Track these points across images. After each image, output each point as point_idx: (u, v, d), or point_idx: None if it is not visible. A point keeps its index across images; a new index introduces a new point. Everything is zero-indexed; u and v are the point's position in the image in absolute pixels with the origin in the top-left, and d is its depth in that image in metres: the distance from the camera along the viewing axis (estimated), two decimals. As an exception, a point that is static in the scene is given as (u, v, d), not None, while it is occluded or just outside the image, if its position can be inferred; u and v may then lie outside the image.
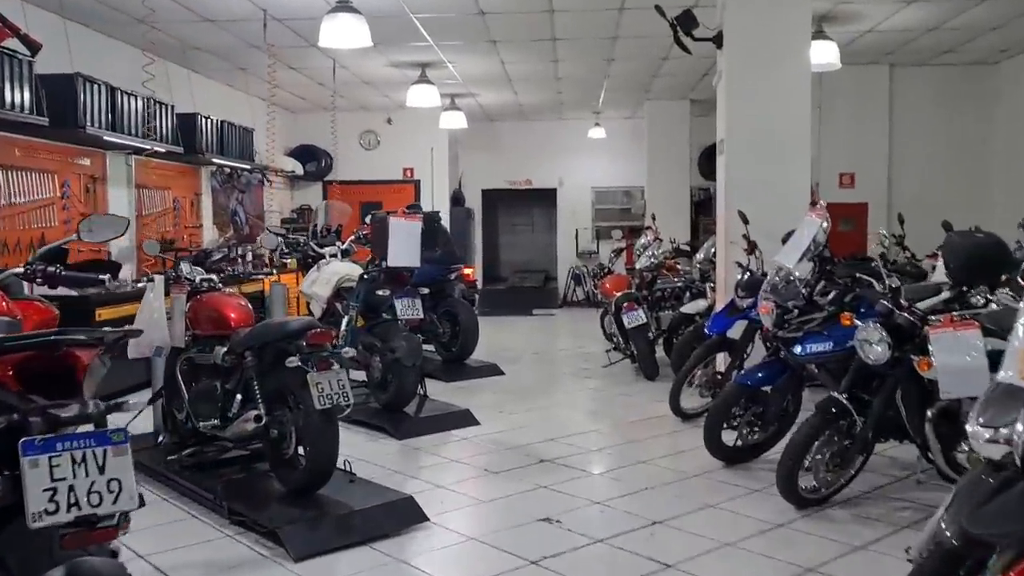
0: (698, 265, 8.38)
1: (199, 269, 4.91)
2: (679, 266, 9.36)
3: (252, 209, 11.63)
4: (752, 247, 6.04)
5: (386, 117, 13.52)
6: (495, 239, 17.50)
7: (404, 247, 5.59)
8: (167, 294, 4.70)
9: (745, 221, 6.01)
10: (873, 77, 10.51)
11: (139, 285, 4.73)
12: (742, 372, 4.95)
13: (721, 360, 6.34)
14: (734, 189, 6.41)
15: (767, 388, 4.97)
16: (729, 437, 5.04)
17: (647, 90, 11.97)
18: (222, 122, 9.10)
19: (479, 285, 15.27)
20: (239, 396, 4.24)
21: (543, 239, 17.52)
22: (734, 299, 5.89)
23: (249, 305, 4.67)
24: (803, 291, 4.72)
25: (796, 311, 4.69)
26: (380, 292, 5.77)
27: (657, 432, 5.96)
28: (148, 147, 7.69)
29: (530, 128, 14.99)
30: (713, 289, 7.50)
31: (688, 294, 8.61)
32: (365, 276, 5.95)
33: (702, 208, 14.45)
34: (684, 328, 8.40)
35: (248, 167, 9.97)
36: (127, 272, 8.34)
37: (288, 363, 3.93)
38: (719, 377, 6.13)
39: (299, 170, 11.80)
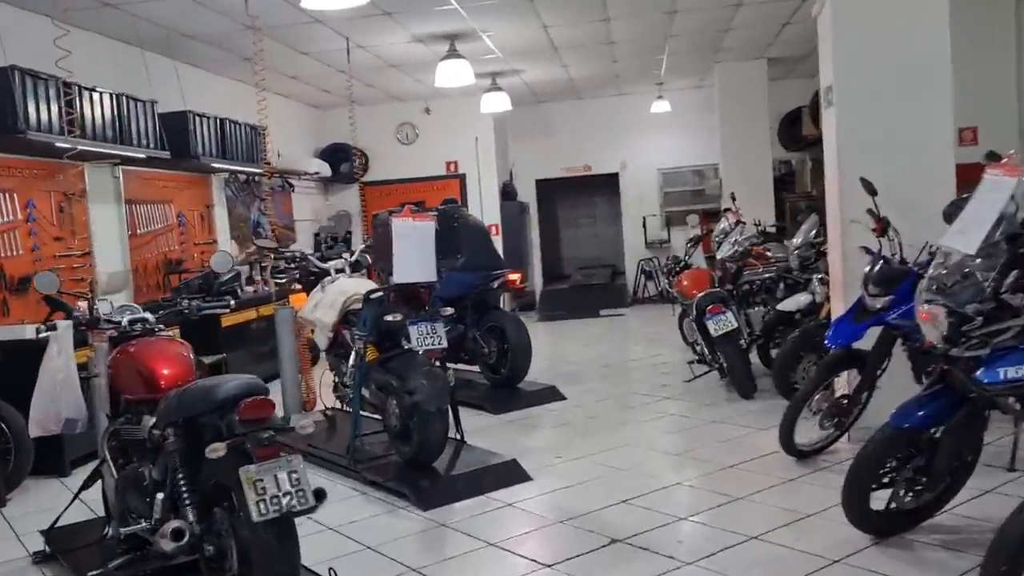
0: (795, 252, 6.80)
1: (133, 307, 3.62)
2: (769, 253, 7.78)
3: (280, 219, 10.47)
4: (884, 226, 4.47)
5: (423, 107, 12.20)
6: (554, 234, 16.03)
7: (414, 256, 4.24)
8: (85, 344, 3.43)
9: (872, 192, 4.43)
10: (998, 10, 8.67)
11: (41, 335, 3.56)
12: (898, 410, 3.43)
13: (845, 379, 4.77)
14: (851, 151, 4.84)
15: (934, 430, 3.45)
16: (876, 497, 3.54)
17: (716, 50, 10.33)
18: (221, 121, 7.88)
19: (539, 286, 13.90)
20: (160, 495, 2.93)
21: (608, 230, 15.98)
22: (862, 298, 4.34)
23: (190, 355, 3.35)
24: (987, 288, 3.16)
25: (980, 318, 3.13)
26: (390, 317, 4.42)
27: (767, 481, 4.45)
28: (126, 153, 6.50)
29: (585, 108, 13.48)
30: (822, 282, 5.91)
31: (782, 286, 7.05)
32: (371, 297, 4.61)
33: (784, 184, 12.70)
34: (782, 330, 6.86)
35: (259, 172, 8.75)
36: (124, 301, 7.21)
37: (209, 453, 2.60)
38: (845, 403, 4.58)
39: (325, 171, 10.58)
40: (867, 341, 4.36)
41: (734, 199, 8.77)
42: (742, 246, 7.37)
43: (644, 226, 13.59)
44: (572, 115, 13.50)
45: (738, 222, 8.19)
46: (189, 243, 8.23)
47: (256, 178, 9.28)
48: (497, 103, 10.61)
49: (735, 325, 6.26)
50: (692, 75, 12.05)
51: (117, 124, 6.26)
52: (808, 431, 4.68)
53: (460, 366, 7.47)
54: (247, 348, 7.68)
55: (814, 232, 6.82)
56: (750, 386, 6.29)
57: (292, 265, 5.32)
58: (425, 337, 4.39)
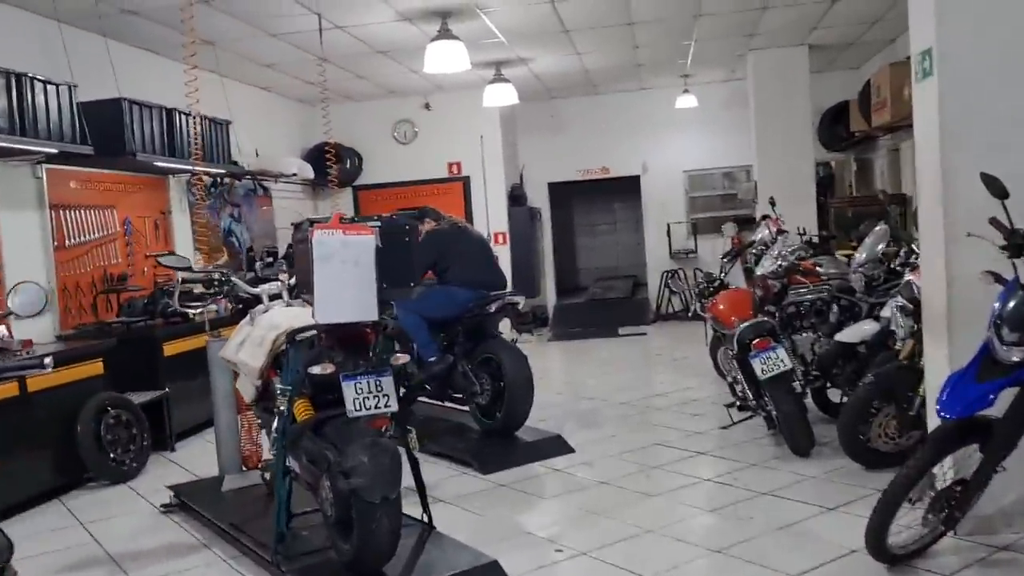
0: (860, 270, 5.49)
1: None
2: (820, 268, 6.45)
3: (259, 227, 9.27)
4: (1019, 243, 3.15)
5: (423, 102, 10.97)
6: (569, 242, 14.77)
7: (345, 285, 2.97)
8: None
9: (1000, 194, 3.11)
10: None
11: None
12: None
13: (959, 459, 3.43)
14: (962, 137, 3.53)
15: None
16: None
17: (751, 33, 9.01)
18: (168, 112, 6.65)
19: (551, 301, 12.61)
20: None
21: (628, 238, 14.71)
22: (990, 346, 3.03)
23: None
24: None
25: None
26: (317, 369, 3.16)
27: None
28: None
29: (602, 104, 12.19)
30: (904, 311, 4.57)
31: (835, 308, 5.75)
32: (296, 339, 3.35)
33: (821, 189, 11.29)
34: (843, 364, 5.54)
35: (222, 172, 7.53)
36: (48, 327, 6.02)
37: None
38: (959, 491, 3.27)
39: (306, 173, 9.36)
40: (997, 406, 3.06)
41: (774, 205, 7.47)
42: (787, 260, 6.03)
43: (668, 234, 12.26)
44: (588, 111, 12.22)
45: (779, 231, 6.91)
46: (138, 255, 7.03)
47: (223, 180, 8.07)
48: (502, 96, 9.36)
49: (788, 365, 4.94)
50: (722, 65, 10.72)
51: (16, 111, 5.05)
52: (902, 525, 3.36)
53: (449, 405, 6.24)
54: (197, 380, 6.44)
55: (883, 245, 5.50)
56: (807, 440, 4.97)
57: (214, 290, 4.08)
58: (366, 398, 3.13)
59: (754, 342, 5.01)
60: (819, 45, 9.71)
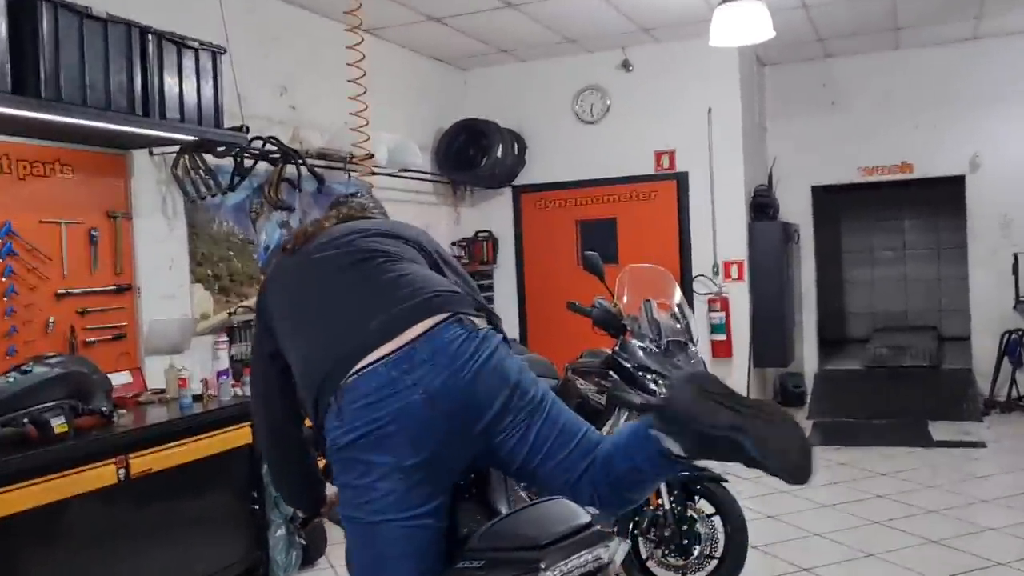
0: None
1: None
2: None
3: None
4: None
5: (621, 59, 7.22)
6: (835, 275, 10.29)
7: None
8: None
9: None
10: None
11: None
12: None
13: None
14: None
15: None
16: None
17: None
18: (107, 25, 3.38)
19: (811, 363, 8.31)
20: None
21: (925, 271, 10.10)
22: None
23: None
24: None
25: None
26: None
27: None
28: None
29: (908, 62, 7.76)
30: None
31: None
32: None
33: None
34: None
35: (216, 139, 4.14)
36: None
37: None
38: None
39: (410, 158, 5.89)
40: None
41: None
42: None
43: (1016, 270, 7.54)
44: (884, 75, 7.85)
45: None
46: (32, 290, 3.81)
47: (251, 160, 4.78)
48: (744, 27, 5.35)
49: None
50: None
51: None
52: None
53: None
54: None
55: None
56: None
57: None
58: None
59: None
60: None
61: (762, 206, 7.34)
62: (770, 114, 8.20)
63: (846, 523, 4.66)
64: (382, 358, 1.73)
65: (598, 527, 1.59)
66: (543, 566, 1.47)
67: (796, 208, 8.11)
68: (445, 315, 1.79)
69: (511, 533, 1.47)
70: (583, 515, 1.58)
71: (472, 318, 1.83)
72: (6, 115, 3.16)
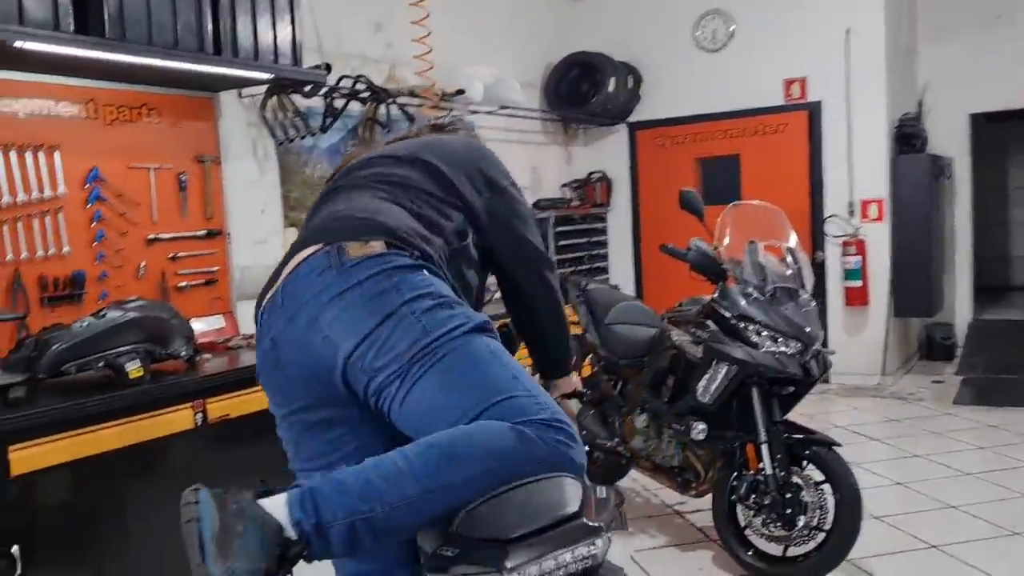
0: None
1: None
2: None
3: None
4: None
5: (746, -21, 6.59)
6: (998, 215, 9.24)
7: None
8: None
9: None
10: None
11: None
12: None
13: None
14: None
15: None
16: None
17: None
18: None
19: (964, 312, 7.51)
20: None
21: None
22: None
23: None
24: None
25: None
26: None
27: None
28: None
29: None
30: None
31: None
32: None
33: None
34: None
35: (294, 78, 4.00)
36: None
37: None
38: None
39: (508, 94, 5.56)
40: None
41: None
42: None
43: None
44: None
45: None
46: (123, 235, 3.84)
47: (340, 100, 4.64)
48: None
49: None
50: None
51: None
52: None
53: None
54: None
55: None
56: None
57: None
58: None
59: None
60: None
61: (908, 136, 6.58)
62: (921, 35, 7.31)
63: (989, 495, 4.11)
64: (268, 300, 1.56)
65: (584, 520, 1.29)
66: (508, 566, 1.21)
67: (950, 139, 7.24)
68: (316, 247, 1.49)
69: (485, 521, 1.22)
70: (572, 503, 1.30)
71: (348, 246, 1.45)
72: (71, 56, 3.11)
